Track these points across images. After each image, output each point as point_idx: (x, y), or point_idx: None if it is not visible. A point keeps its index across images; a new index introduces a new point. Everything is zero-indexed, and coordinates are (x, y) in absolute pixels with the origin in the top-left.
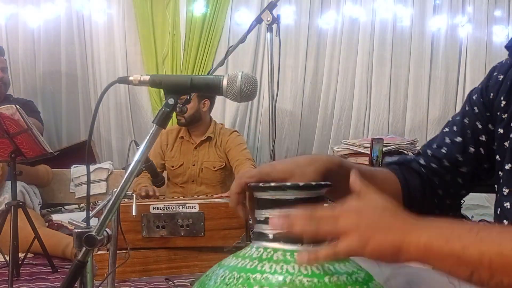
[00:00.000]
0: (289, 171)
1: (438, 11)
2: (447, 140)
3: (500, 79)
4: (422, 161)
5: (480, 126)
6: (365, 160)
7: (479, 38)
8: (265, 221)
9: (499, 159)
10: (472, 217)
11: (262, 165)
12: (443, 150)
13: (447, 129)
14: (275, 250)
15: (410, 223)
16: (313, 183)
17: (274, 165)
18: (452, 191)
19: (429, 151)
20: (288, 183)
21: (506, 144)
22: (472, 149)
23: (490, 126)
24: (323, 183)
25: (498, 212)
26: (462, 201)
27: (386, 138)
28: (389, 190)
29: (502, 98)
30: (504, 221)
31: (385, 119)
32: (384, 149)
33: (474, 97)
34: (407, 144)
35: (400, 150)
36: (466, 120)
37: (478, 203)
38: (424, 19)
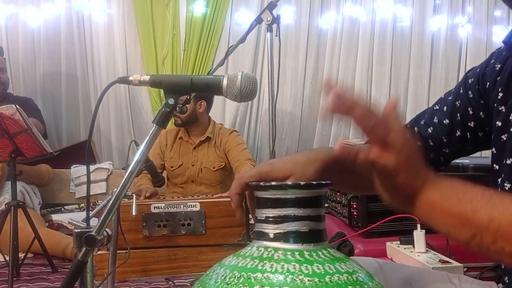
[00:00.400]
0: (289, 170)
1: (438, 11)
2: (435, 119)
3: (497, 69)
4: None
5: (471, 112)
6: None
7: (479, 38)
8: (266, 220)
9: (495, 151)
10: None
11: (261, 164)
12: (429, 130)
13: (437, 107)
14: (276, 250)
15: (430, 178)
16: (314, 183)
17: (273, 164)
18: (432, 167)
19: (416, 128)
20: (289, 182)
21: (504, 137)
22: (458, 133)
23: (481, 114)
24: (323, 182)
25: None
26: None
27: None
28: None
29: (499, 90)
30: None
31: None
32: None
33: (470, 81)
34: None
35: None
36: (457, 103)
37: None
38: (424, 19)
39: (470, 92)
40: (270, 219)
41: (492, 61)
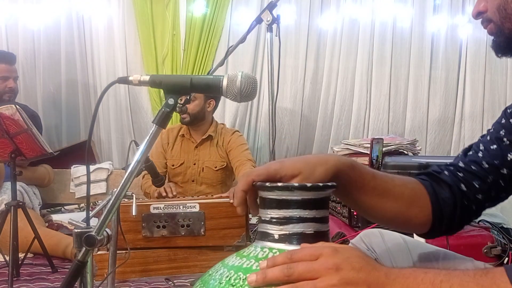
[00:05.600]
0: (298, 169)
1: (438, 11)
2: (482, 147)
3: None
4: (460, 164)
5: None
6: (365, 160)
7: (479, 38)
8: (270, 221)
9: None
10: None
11: (271, 163)
12: (480, 154)
13: (480, 139)
14: (281, 251)
15: (381, 281)
16: (320, 184)
17: (283, 162)
18: (493, 194)
19: (466, 158)
20: (296, 184)
21: None
22: (510, 156)
23: None
24: (330, 184)
25: None
26: None
27: (386, 138)
28: (416, 202)
29: None
30: None
31: (385, 119)
32: (384, 149)
33: (509, 111)
34: (407, 144)
35: (400, 150)
36: (502, 132)
37: None
38: (424, 19)
39: (511, 120)
40: (275, 220)
41: None
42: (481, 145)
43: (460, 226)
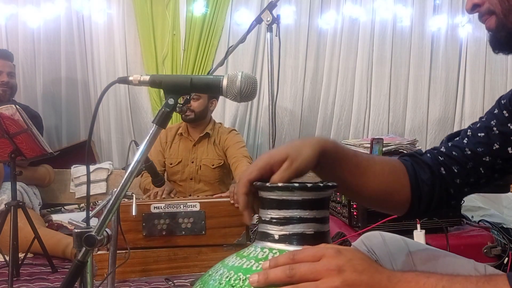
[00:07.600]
0: (285, 153)
1: (438, 11)
2: (469, 133)
3: None
4: (442, 149)
5: (511, 127)
6: None
7: (479, 38)
8: (270, 221)
9: None
10: (472, 217)
11: (258, 158)
12: (464, 141)
13: (471, 126)
14: (281, 252)
15: (384, 284)
16: (321, 184)
17: (269, 152)
18: (472, 180)
19: (449, 143)
20: (296, 184)
21: None
22: (497, 146)
23: None
24: (330, 184)
25: None
26: (462, 201)
27: (386, 138)
28: (396, 180)
29: None
30: None
31: (385, 119)
32: (384, 149)
33: (503, 102)
34: (407, 144)
35: (400, 150)
36: (493, 122)
37: (480, 205)
38: (424, 19)
39: (505, 112)
40: (275, 220)
41: None
42: (469, 131)
43: (438, 208)
